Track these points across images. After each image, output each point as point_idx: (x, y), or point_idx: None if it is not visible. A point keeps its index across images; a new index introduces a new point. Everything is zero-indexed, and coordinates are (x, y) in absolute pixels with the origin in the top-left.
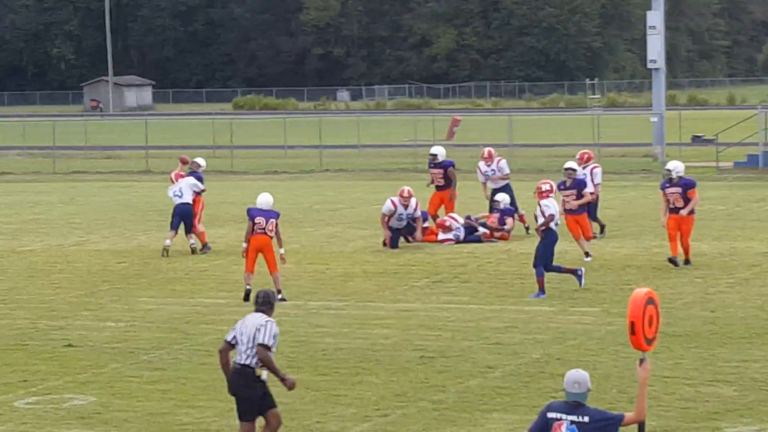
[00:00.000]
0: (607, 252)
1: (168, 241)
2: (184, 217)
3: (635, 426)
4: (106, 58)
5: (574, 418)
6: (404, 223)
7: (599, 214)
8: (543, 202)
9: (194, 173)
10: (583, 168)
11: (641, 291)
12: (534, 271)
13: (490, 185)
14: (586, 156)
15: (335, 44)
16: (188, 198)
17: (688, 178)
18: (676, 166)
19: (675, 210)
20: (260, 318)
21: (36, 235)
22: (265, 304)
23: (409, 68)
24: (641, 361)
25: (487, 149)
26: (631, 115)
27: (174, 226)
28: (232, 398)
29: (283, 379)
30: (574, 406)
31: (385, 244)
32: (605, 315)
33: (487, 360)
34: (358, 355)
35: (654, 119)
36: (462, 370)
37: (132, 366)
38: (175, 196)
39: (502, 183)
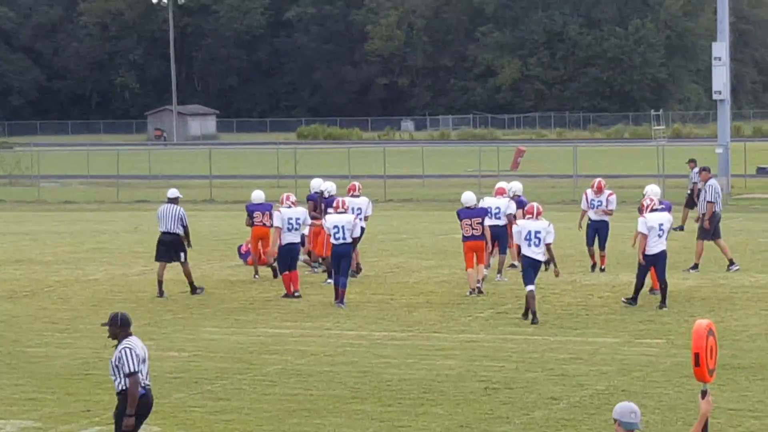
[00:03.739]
0: (671, 283)
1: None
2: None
3: None
4: (170, 87)
5: None
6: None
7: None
8: None
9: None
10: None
11: (703, 322)
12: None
13: (592, 216)
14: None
15: (399, 74)
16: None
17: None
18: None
19: None
20: (139, 341)
21: (99, 264)
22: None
23: (473, 98)
24: (703, 393)
25: (597, 180)
26: (696, 147)
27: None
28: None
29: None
30: None
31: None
32: (670, 347)
33: (552, 391)
34: (422, 385)
35: (719, 150)
36: (526, 402)
37: (195, 396)
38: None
39: (605, 217)
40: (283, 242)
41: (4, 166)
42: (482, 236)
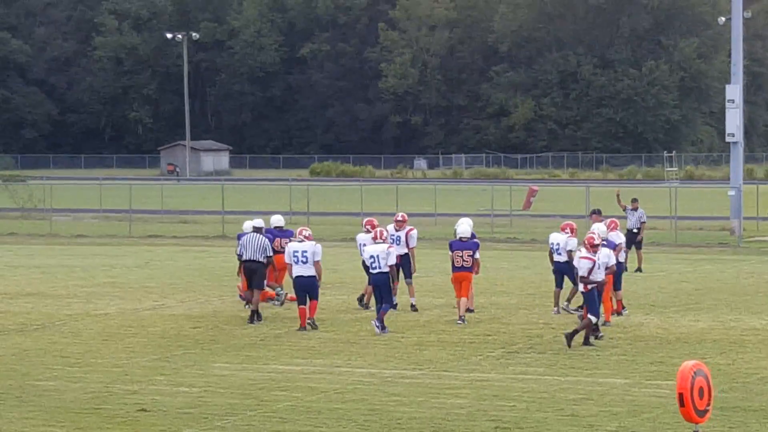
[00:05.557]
0: (683, 326)
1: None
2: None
3: None
4: (183, 122)
5: None
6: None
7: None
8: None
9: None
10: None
11: (689, 363)
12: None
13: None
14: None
15: (413, 112)
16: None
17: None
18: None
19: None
20: None
21: (111, 299)
22: None
23: (486, 137)
24: None
25: (608, 221)
26: (709, 189)
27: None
28: None
29: None
30: None
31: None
32: None
33: None
34: (432, 424)
35: (732, 193)
36: None
37: None
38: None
39: (620, 258)
40: (294, 274)
41: (17, 200)
42: (470, 268)
